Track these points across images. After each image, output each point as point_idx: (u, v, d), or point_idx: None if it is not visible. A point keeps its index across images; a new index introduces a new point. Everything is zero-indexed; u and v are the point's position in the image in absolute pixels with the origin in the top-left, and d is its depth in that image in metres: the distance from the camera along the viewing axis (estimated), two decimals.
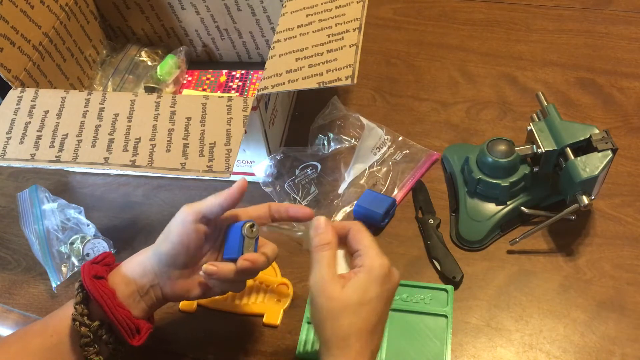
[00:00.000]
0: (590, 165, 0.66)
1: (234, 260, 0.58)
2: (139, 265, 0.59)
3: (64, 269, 0.75)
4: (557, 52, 0.96)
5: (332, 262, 0.54)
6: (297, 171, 0.81)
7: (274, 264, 0.74)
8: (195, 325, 0.70)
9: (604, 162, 0.66)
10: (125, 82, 0.92)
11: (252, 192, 0.81)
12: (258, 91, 0.67)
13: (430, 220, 0.75)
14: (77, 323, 0.56)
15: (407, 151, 0.83)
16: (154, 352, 0.68)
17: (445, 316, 0.67)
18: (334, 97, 0.89)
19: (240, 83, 0.93)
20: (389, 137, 0.85)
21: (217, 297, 0.69)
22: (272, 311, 0.69)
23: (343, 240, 0.57)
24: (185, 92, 0.93)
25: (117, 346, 0.58)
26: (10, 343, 0.58)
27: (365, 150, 0.83)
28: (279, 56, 0.69)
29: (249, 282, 0.71)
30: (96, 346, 0.56)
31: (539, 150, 0.70)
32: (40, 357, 0.56)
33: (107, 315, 0.56)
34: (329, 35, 0.70)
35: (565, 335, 0.66)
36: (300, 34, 0.72)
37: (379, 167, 0.82)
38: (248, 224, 0.58)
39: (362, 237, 0.56)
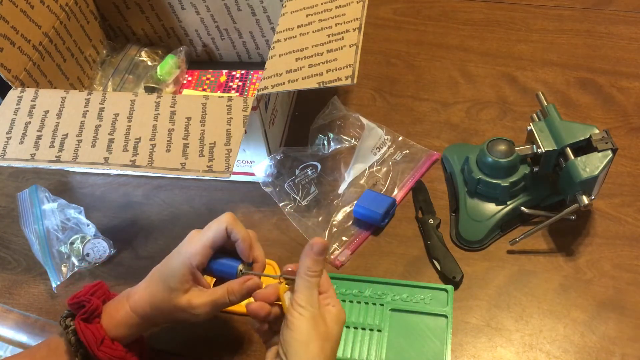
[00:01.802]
0: (590, 165, 0.66)
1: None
2: (130, 328, 0.59)
3: (64, 269, 0.75)
4: (557, 52, 0.96)
5: (315, 290, 0.54)
6: (297, 171, 0.81)
7: (274, 264, 0.74)
8: (195, 325, 0.70)
9: (604, 162, 0.66)
10: (125, 82, 0.92)
11: (252, 192, 0.82)
12: (258, 91, 0.67)
13: (430, 220, 0.75)
14: None
15: (407, 151, 0.83)
16: (154, 352, 0.68)
17: (445, 316, 0.67)
18: (334, 97, 0.89)
19: (240, 83, 0.93)
20: (389, 137, 0.85)
21: None
22: None
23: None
24: (185, 92, 0.93)
25: None
26: None
27: (365, 150, 0.83)
28: (279, 56, 0.69)
29: None
30: None
31: (539, 150, 0.70)
32: None
33: None
34: (329, 35, 0.70)
35: (565, 335, 0.66)
36: (300, 34, 0.72)
37: (379, 167, 0.82)
38: (241, 267, 0.58)
39: (327, 280, 0.56)
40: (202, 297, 0.57)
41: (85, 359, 0.57)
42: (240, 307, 0.70)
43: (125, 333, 0.59)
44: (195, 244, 0.57)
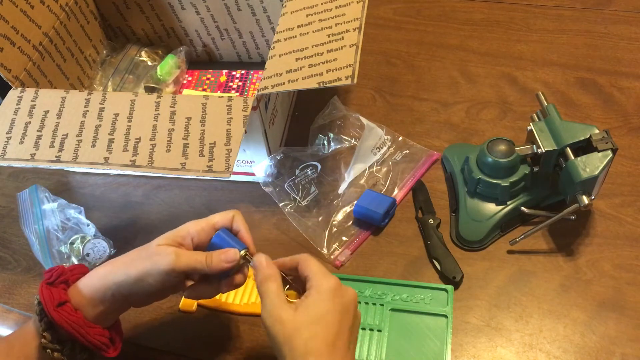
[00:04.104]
0: (590, 165, 0.66)
1: None
2: (103, 284, 0.56)
3: None
4: (557, 52, 0.96)
5: (280, 291, 0.54)
6: (297, 171, 0.81)
7: None
8: (195, 325, 0.70)
9: (604, 162, 0.66)
10: (125, 82, 0.92)
11: (252, 192, 0.82)
12: (258, 91, 0.67)
13: (430, 220, 0.75)
14: (48, 351, 0.55)
15: (407, 151, 0.83)
16: (154, 352, 0.68)
17: (445, 316, 0.67)
18: (334, 97, 0.89)
19: (240, 83, 0.93)
20: (389, 137, 0.85)
21: (216, 297, 0.69)
22: None
23: (295, 273, 0.58)
24: (185, 92, 0.93)
25: (93, 356, 0.58)
26: None
27: (365, 150, 0.83)
28: (279, 56, 0.69)
29: (249, 281, 0.71)
30: None
31: (539, 150, 0.70)
32: None
33: (79, 340, 0.55)
34: (329, 35, 0.70)
35: (565, 335, 0.66)
36: (300, 34, 0.72)
37: (379, 167, 0.82)
38: (243, 253, 0.58)
39: (308, 264, 0.56)
40: (183, 251, 0.57)
41: (50, 327, 0.55)
42: (240, 307, 0.70)
43: (93, 309, 0.56)
44: (198, 221, 0.59)
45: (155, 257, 0.56)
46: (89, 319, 0.56)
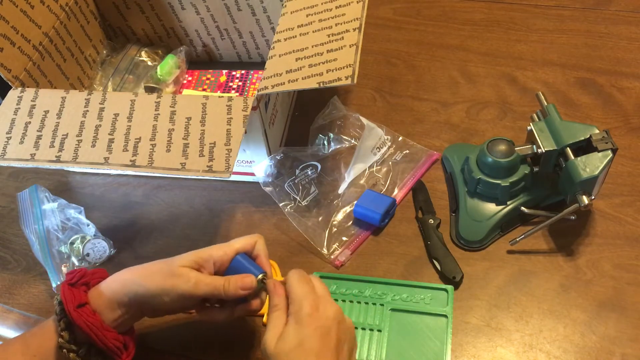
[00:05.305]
0: (590, 165, 0.66)
1: None
2: (122, 289, 0.58)
3: (64, 269, 0.75)
4: (557, 52, 0.96)
5: (278, 323, 0.55)
6: (297, 171, 0.81)
7: (274, 264, 0.74)
8: (195, 325, 0.70)
9: (604, 162, 0.66)
10: (125, 82, 0.92)
11: (252, 192, 0.82)
12: (258, 91, 0.67)
13: (430, 220, 0.75)
14: (64, 351, 0.56)
15: (407, 151, 0.83)
16: (154, 352, 0.68)
17: (445, 316, 0.67)
18: (334, 97, 0.89)
19: (240, 83, 0.93)
20: (389, 137, 0.85)
21: None
22: None
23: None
24: (185, 92, 0.93)
25: None
26: None
27: (365, 150, 0.83)
28: (279, 56, 0.69)
29: None
30: None
31: (539, 150, 0.70)
32: None
33: (95, 342, 0.56)
34: (329, 35, 0.70)
35: (565, 335, 0.66)
36: (300, 34, 0.72)
37: (379, 167, 0.82)
38: (261, 277, 0.59)
39: (290, 287, 0.56)
40: (203, 277, 0.58)
41: (69, 327, 0.56)
42: None
43: (111, 313, 0.58)
44: (221, 246, 0.61)
45: (175, 278, 0.57)
46: (106, 323, 0.57)
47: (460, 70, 0.95)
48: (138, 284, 0.58)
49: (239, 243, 0.61)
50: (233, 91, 0.92)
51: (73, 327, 0.56)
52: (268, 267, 0.61)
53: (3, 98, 0.73)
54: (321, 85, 0.65)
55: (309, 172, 0.81)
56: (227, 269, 0.60)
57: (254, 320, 0.70)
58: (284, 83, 0.66)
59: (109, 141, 0.66)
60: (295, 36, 0.71)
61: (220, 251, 0.60)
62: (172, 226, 0.80)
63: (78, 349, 0.56)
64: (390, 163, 0.82)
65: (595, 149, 0.67)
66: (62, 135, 0.67)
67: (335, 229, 0.76)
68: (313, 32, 0.71)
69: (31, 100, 0.71)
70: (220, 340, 0.69)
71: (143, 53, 0.95)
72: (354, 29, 0.70)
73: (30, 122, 0.69)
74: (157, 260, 0.60)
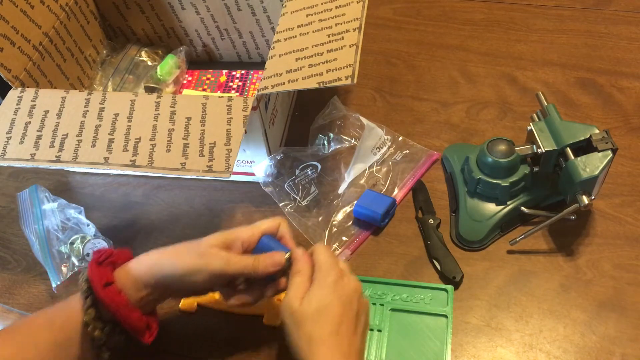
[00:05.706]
0: (590, 165, 0.66)
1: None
2: (150, 270, 0.59)
3: (64, 269, 0.75)
4: (557, 52, 0.96)
5: (301, 286, 0.57)
6: (297, 171, 0.81)
7: None
8: (195, 325, 0.70)
9: (604, 162, 0.66)
10: (125, 82, 0.92)
11: (252, 192, 0.82)
12: (258, 91, 0.67)
13: (430, 220, 0.75)
14: (90, 328, 0.57)
15: (407, 151, 0.83)
16: (154, 352, 0.68)
17: (445, 316, 0.67)
18: (334, 97, 0.89)
19: (240, 83, 0.93)
20: (389, 137, 0.85)
21: (217, 297, 0.70)
22: (272, 311, 0.69)
23: None
24: (185, 92, 0.93)
25: (127, 341, 0.60)
26: (15, 334, 0.58)
27: (365, 150, 0.83)
28: (279, 56, 0.69)
29: None
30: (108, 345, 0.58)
31: (539, 150, 0.70)
32: (48, 351, 0.56)
33: (120, 321, 0.57)
34: (329, 35, 0.70)
35: (565, 335, 0.66)
36: (300, 34, 0.72)
37: (379, 167, 0.82)
38: (288, 255, 0.60)
39: (317, 256, 0.59)
40: (233, 256, 0.59)
41: (95, 304, 0.57)
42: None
43: (137, 293, 0.58)
44: (248, 227, 0.62)
45: (206, 257, 0.58)
46: (131, 303, 0.58)
47: (460, 70, 0.95)
48: (168, 263, 0.59)
49: (265, 224, 0.62)
50: (233, 91, 0.92)
51: (99, 305, 0.57)
52: (294, 245, 0.62)
53: (3, 98, 0.73)
54: (321, 85, 0.65)
55: (309, 172, 0.81)
56: (253, 249, 0.61)
57: (255, 320, 0.70)
58: (284, 83, 0.66)
59: (109, 141, 0.66)
60: (295, 36, 0.71)
61: (248, 232, 0.61)
62: (172, 226, 0.80)
63: (103, 327, 0.57)
64: (390, 163, 0.82)
65: (595, 149, 0.67)
66: (62, 135, 0.67)
67: (335, 229, 0.76)
68: (313, 32, 0.71)
69: (31, 100, 0.71)
70: (221, 340, 0.69)
71: (143, 53, 0.95)
72: (354, 29, 0.70)
73: (30, 122, 0.69)
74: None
